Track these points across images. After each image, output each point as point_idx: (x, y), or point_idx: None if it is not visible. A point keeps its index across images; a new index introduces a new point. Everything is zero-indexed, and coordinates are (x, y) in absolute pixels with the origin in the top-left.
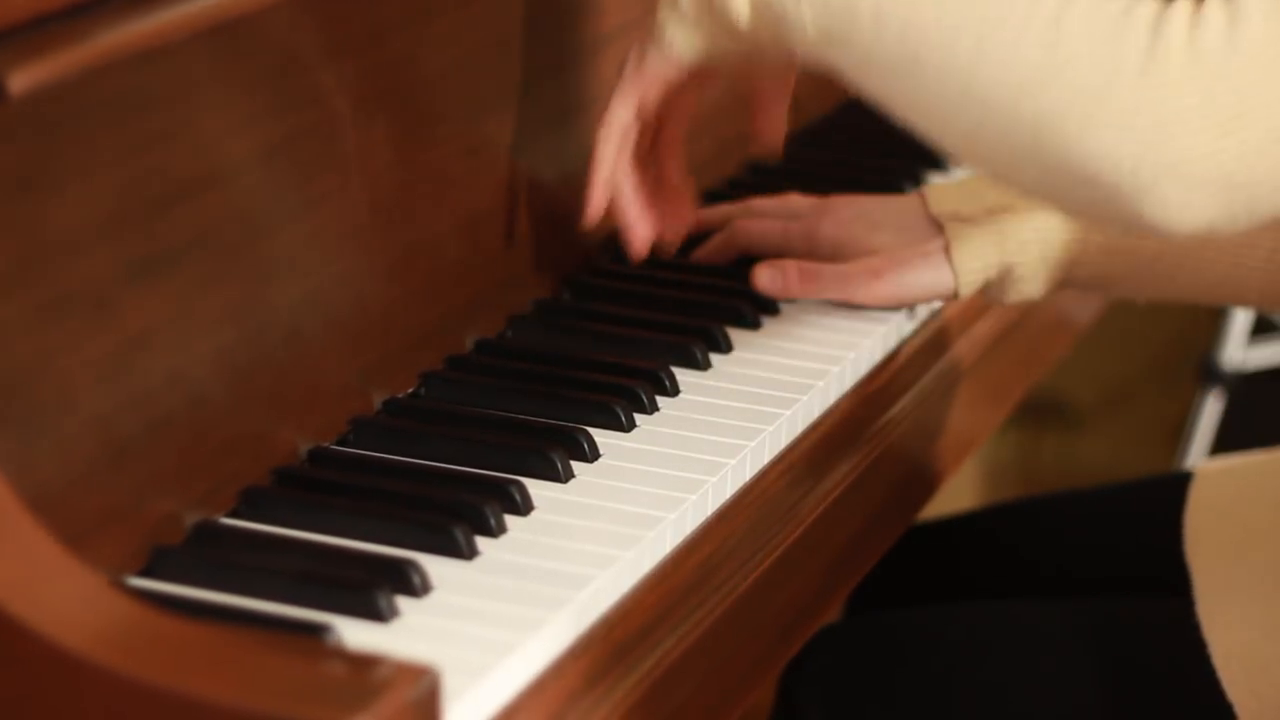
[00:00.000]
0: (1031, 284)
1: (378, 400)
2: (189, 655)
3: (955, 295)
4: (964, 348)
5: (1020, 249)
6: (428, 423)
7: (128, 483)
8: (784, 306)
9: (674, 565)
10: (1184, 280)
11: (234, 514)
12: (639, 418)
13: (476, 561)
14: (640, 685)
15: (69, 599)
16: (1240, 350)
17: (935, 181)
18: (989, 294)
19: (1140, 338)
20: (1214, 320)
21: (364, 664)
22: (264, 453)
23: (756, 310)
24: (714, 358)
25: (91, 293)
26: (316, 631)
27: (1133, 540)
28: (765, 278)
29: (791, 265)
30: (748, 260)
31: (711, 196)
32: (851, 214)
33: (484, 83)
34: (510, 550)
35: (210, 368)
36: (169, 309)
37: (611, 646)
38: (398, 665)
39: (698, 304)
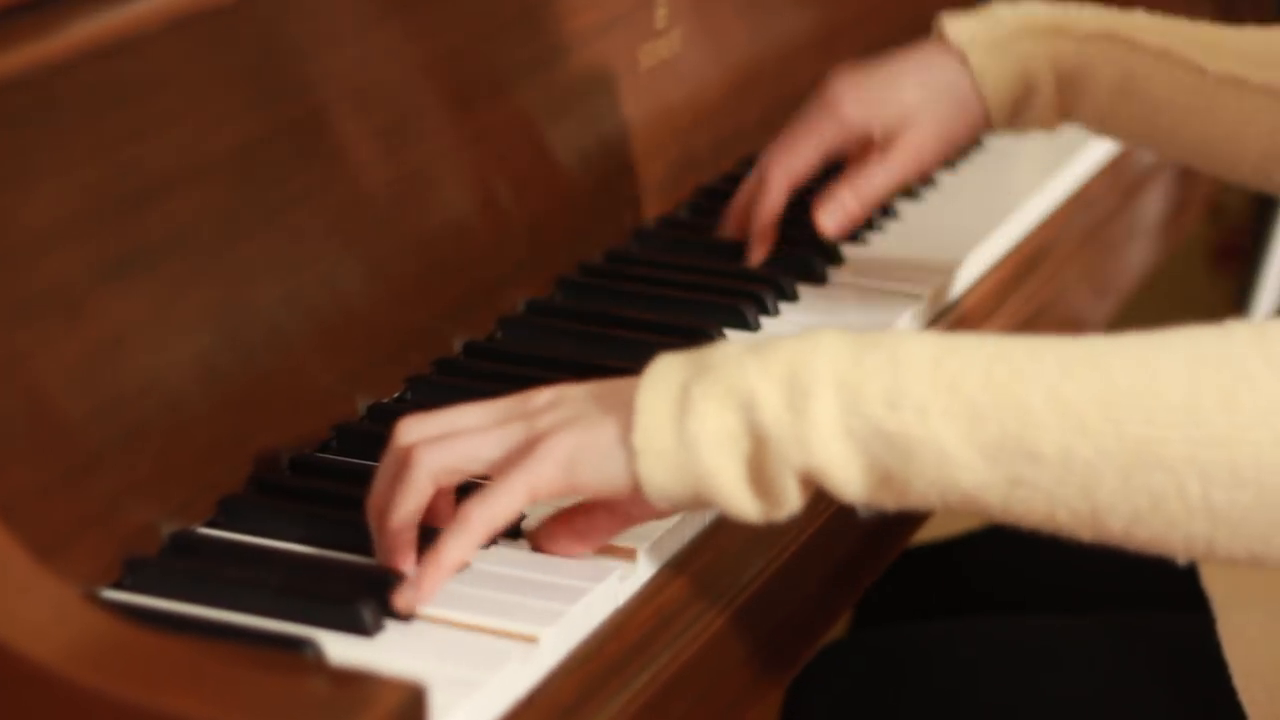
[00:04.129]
0: (1048, 110)
1: (362, 405)
2: (165, 671)
3: (989, 124)
4: None
5: (1040, 69)
6: None
7: (102, 491)
8: (785, 309)
9: (670, 578)
10: (1186, 136)
11: (212, 524)
12: None
13: (466, 574)
14: (635, 701)
15: (40, 612)
16: None
17: None
18: (1017, 120)
19: None
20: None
21: (348, 680)
22: (243, 460)
23: (756, 311)
24: None
25: (63, 293)
26: (298, 646)
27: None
28: (829, 221)
29: (844, 191)
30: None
31: (710, 194)
32: (867, 81)
33: (471, 77)
34: (499, 562)
35: (187, 371)
36: (144, 310)
37: (605, 661)
38: (382, 681)
39: (696, 304)
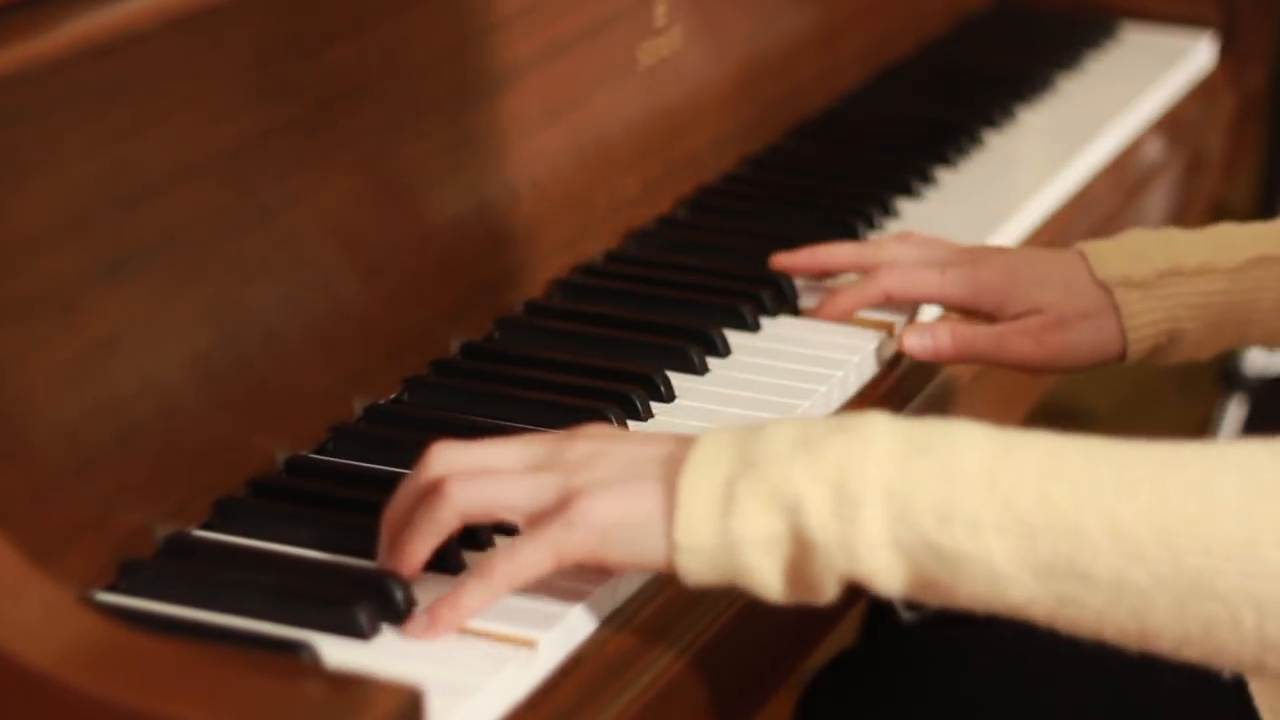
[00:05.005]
0: (1201, 348)
1: (359, 406)
2: (160, 674)
3: (1123, 359)
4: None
5: (1190, 313)
6: (411, 430)
7: (96, 493)
8: (785, 310)
9: (672, 579)
10: None
11: (208, 526)
12: (633, 424)
13: (463, 577)
14: (636, 703)
15: (34, 615)
16: (1264, 355)
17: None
18: (1155, 357)
19: None
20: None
21: (344, 683)
22: (239, 462)
23: (756, 312)
24: (711, 362)
25: (57, 293)
26: (294, 649)
27: None
28: (915, 341)
29: (943, 328)
30: (748, 259)
31: (710, 194)
32: (1014, 261)
33: (468, 75)
34: None
35: (183, 372)
36: (139, 311)
37: (605, 663)
38: (379, 685)
39: (695, 305)
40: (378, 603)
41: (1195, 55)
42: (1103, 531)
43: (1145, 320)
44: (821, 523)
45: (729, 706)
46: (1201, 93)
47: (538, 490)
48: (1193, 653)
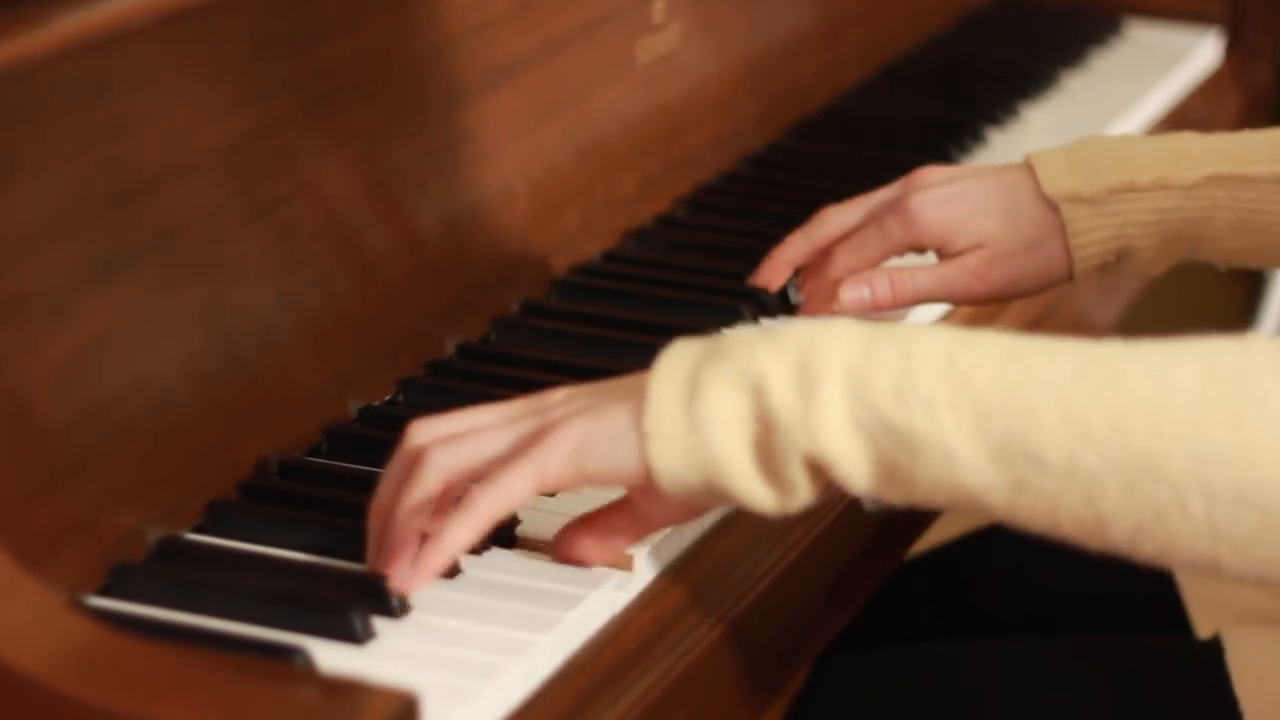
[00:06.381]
0: (1153, 265)
1: (353, 408)
2: (152, 679)
3: (1070, 279)
4: None
5: (1141, 231)
6: None
7: (87, 496)
8: (785, 311)
9: (668, 585)
10: None
11: (200, 529)
12: None
13: (460, 580)
14: (633, 711)
15: (24, 619)
16: None
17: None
18: (1104, 273)
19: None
20: (1243, 324)
21: (338, 689)
22: (232, 464)
23: (756, 313)
24: None
25: (48, 293)
26: (288, 654)
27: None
28: (852, 294)
29: (880, 277)
30: (747, 259)
31: (709, 193)
32: (951, 192)
33: (463, 72)
34: (493, 569)
35: (175, 373)
36: (130, 310)
37: (602, 669)
38: (374, 690)
39: (694, 305)
40: (372, 606)
41: (1201, 52)
42: (1055, 412)
43: (1093, 238)
44: (784, 401)
45: (729, 710)
46: (1207, 90)
47: (515, 433)
48: (1148, 547)
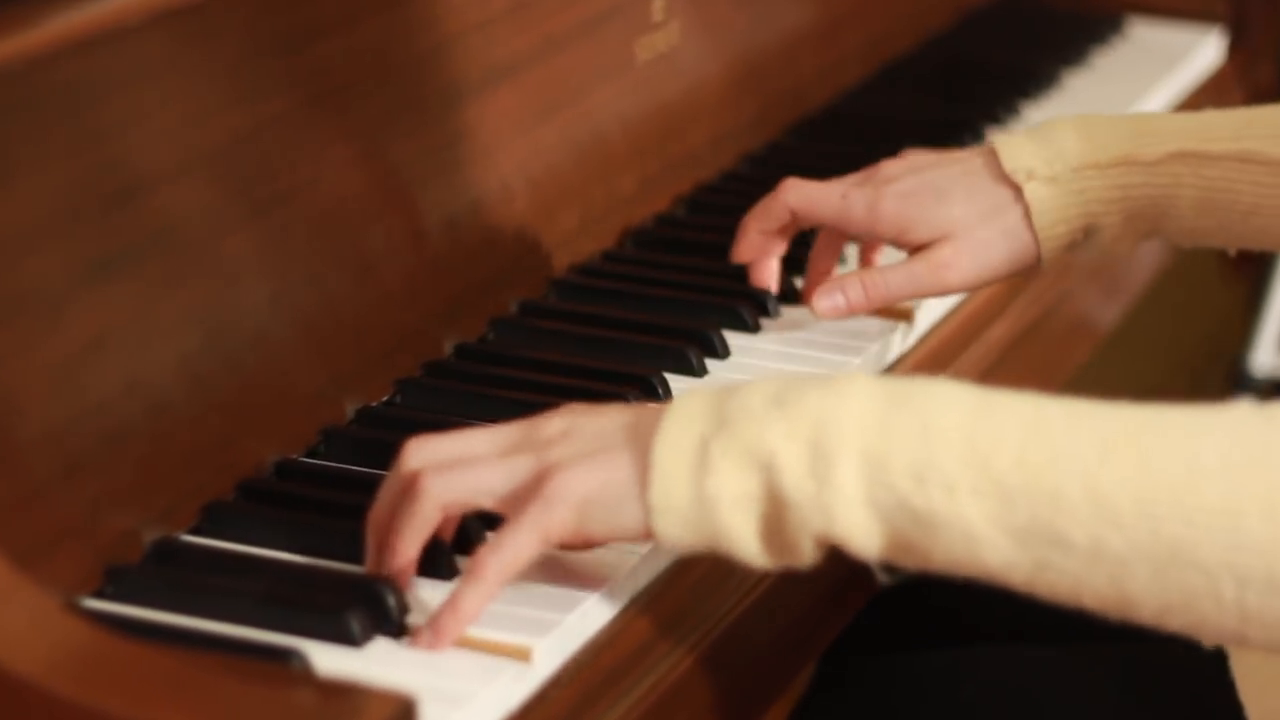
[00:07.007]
0: (1119, 242)
1: (350, 409)
2: (147, 682)
3: (1039, 261)
4: (976, 355)
5: (1105, 207)
6: (403, 433)
7: (82, 498)
8: (785, 309)
9: (666, 586)
10: (1277, 232)
11: (196, 531)
12: None
13: (457, 582)
14: (633, 712)
15: (19, 621)
16: (1271, 355)
17: None
18: (1073, 254)
19: (1167, 342)
20: (1244, 325)
21: (335, 692)
22: (228, 465)
23: (755, 312)
24: (710, 363)
25: (43, 294)
26: (284, 657)
27: None
28: (825, 303)
29: (852, 281)
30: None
31: (708, 192)
32: (913, 184)
33: (462, 71)
34: None
35: (170, 374)
36: (126, 311)
37: (601, 673)
38: (371, 693)
39: (693, 305)
40: (370, 609)
41: (1203, 51)
42: (1081, 496)
43: (1058, 217)
44: (796, 481)
45: (728, 713)
46: (1210, 89)
47: (512, 472)
48: (1174, 623)
